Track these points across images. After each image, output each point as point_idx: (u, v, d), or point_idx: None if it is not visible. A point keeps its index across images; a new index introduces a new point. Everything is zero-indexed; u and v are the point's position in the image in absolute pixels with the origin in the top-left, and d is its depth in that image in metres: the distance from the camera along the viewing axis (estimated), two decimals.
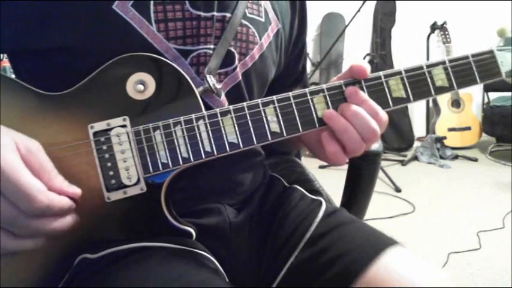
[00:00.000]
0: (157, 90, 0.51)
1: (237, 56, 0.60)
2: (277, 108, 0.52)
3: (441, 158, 3.33)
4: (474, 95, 3.71)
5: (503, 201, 2.33)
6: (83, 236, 0.49)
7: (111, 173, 0.49)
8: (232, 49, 0.59)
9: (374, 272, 0.52)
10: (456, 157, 3.37)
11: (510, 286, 1.51)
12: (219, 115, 0.51)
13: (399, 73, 0.54)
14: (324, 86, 0.53)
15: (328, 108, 0.53)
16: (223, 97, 0.59)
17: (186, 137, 0.50)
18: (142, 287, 0.45)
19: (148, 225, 0.52)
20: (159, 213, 0.51)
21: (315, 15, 3.80)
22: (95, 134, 0.49)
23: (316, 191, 0.75)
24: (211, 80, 0.55)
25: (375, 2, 3.79)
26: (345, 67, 3.75)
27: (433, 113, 3.72)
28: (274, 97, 0.52)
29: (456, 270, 1.65)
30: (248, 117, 0.51)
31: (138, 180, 0.49)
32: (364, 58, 3.69)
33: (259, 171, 0.71)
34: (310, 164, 0.93)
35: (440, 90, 0.55)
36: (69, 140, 0.49)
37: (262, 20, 0.65)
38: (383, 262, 0.53)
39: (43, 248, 0.45)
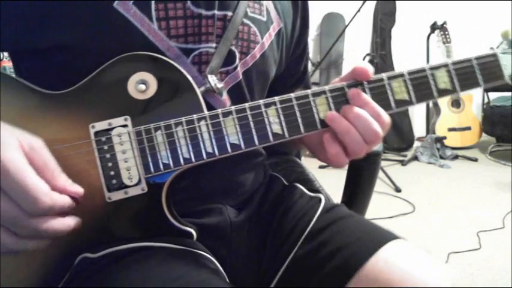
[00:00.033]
0: (159, 90, 0.51)
1: (237, 55, 0.60)
2: (279, 110, 0.52)
3: (441, 158, 3.33)
4: (474, 95, 3.72)
5: (503, 201, 2.33)
6: (84, 235, 0.49)
7: (112, 173, 0.49)
8: (233, 48, 0.59)
9: (374, 266, 0.52)
10: (456, 157, 3.37)
11: (510, 286, 1.51)
12: (220, 116, 0.51)
13: (402, 75, 0.54)
14: (326, 88, 0.53)
15: (330, 110, 0.52)
16: (225, 96, 0.59)
17: (188, 138, 0.50)
18: (142, 287, 0.45)
19: (149, 225, 0.52)
20: (160, 213, 0.51)
21: (315, 15, 3.79)
22: (96, 133, 0.49)
23: (316, 191, 0.75)
24: (213, 79, 0.55)
25: (375, 2, 3.79)
26: (345, 67, 3.75)
27: (433, 113, 3.72)
28: (276, 98, 0.52)
29: (456, 270, 1.65)
30: (250, 118, 0.51)
31: (139, 181, 0.49)
32: (364, 58, 3.69)
33: (260, 172, 0.71)
34: (310, 164, 0.93)
35: (443, 92, 0.54)
36: (70, 139, 0.49)
37: (264, 19, 0.65)
38: (383, 256, 0.53)
39: (43, 248, 0.45)
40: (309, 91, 0.53)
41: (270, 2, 0.67)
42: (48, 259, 0.49)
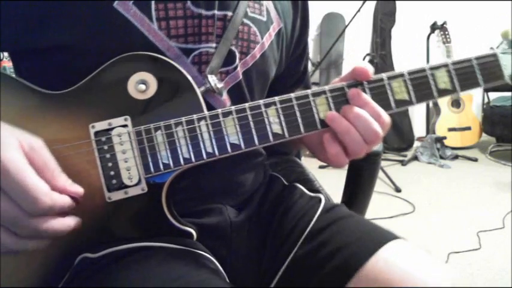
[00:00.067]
0: (159, 90, 0.51)
1: (237, 55, 0.60)
2: (279, 110, 0.52)
3: (441, 158, 3.33)
4: (474, 95, 3.72)
5: (503, 201, 2.33)
6: (84, 235, 0.49)
7: (112, 173, 0.49)
8: (233, 48, 0.59)
9: (374, 266, 0.52)
10: (456, 157, 3.37)
11: (510, 286, 1.51)
12: (220, 116, 0.51)
13: (402, 75, 0.54)
14: (326, 88, 0.53)
15: (331, 110, 0.52)
16: (225, 96, 0.59)
17: (188, 138, 0.50)
18: (142, 287, 0.45)
19: (149, 225, 0.52)
20: (160, 213, 0.51)
21: (315, 15, 3.79)
22: (96, 133, 0.49)
23: (316, 191, 0.75)
24: (213, 79, 0.55)
25: (375, 2, 3.79)
26: (345, 67, 3.75)
27: (433, 113, 3.72)
28: (276, 98, 0.52)
29: (456, 270, 1.65)
30: (250, 118, 0.51)
31: (139, 181, 0.49)
32: (364, 58, 3.68)
33: (260, 172, 0.71)
34: (310, 164, 0.93)
35: (443, 92, 0.54)
36: (70, 139, 0.49)
37: (264, 19, 0.65)
38: (383, 256, 0.53)
39: (43, 248, 0.45)
40: (309, 91, 0.53)
41: (270, 2, 0.67)
42: (48, 259, 0.49)
